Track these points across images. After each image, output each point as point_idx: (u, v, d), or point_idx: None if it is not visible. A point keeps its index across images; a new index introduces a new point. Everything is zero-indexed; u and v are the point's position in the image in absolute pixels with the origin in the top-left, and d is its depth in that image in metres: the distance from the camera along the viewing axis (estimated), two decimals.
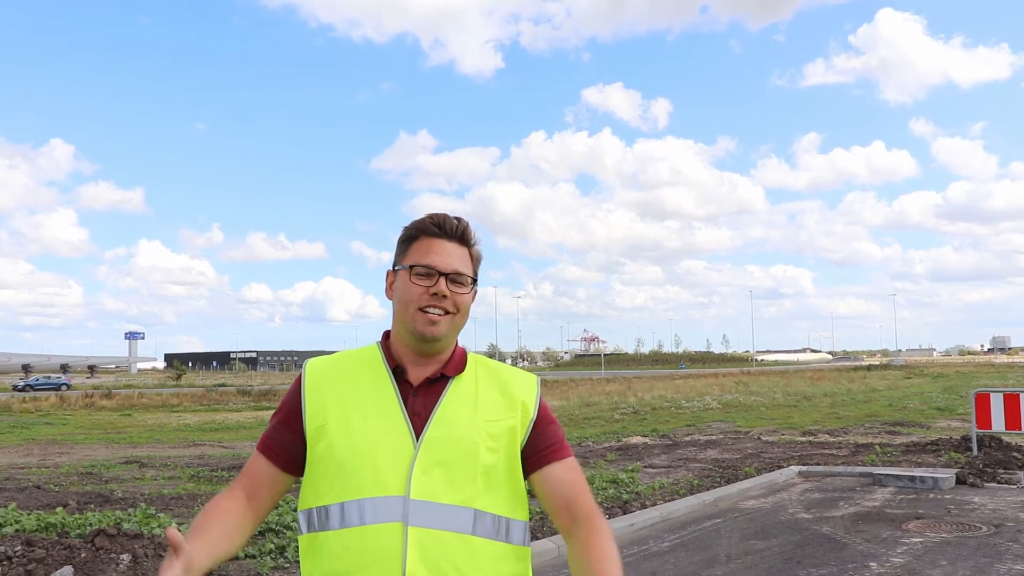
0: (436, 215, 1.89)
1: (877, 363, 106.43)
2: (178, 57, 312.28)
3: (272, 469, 1.88)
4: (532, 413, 1.92)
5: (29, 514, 7.28)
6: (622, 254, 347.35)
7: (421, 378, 1.86)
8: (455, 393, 1.86)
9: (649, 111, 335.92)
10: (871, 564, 6.81)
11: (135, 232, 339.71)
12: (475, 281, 1.91)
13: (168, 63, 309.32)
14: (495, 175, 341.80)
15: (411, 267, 1.84)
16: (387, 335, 1.95)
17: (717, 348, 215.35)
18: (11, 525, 6.81)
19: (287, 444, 1.87)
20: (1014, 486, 10.41)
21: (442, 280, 1.82)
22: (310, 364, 1.93)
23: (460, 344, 1.98)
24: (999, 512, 8.77)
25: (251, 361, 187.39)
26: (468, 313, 1.90)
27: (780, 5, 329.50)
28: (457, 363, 1.91)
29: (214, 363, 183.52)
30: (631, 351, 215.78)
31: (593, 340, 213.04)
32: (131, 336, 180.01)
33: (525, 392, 1.94)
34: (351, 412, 1.80)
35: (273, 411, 1.99)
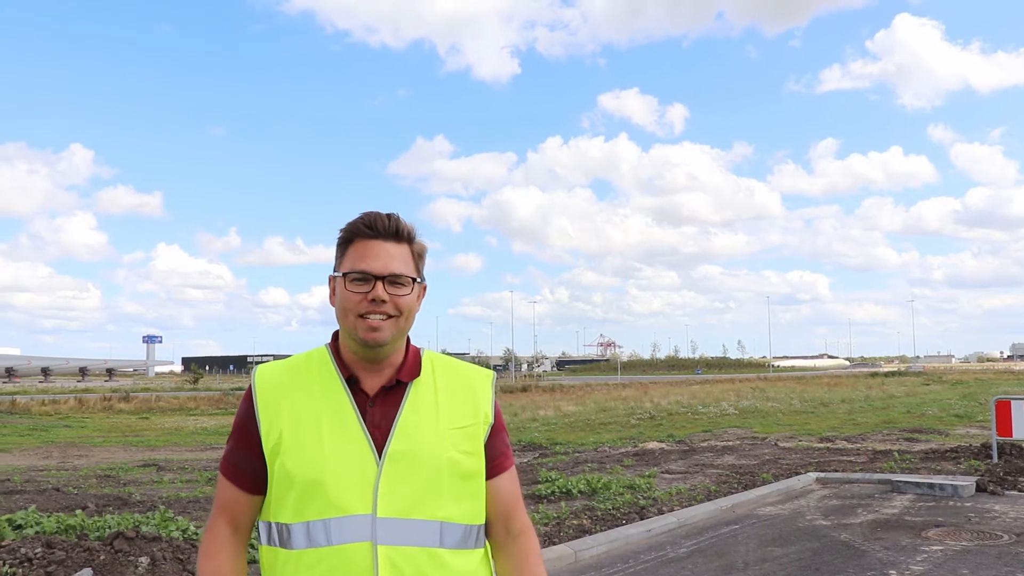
0: (368, 214, 1.82)
1: (895, 369, 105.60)
2: (197, 63, 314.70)
3: (243, 496, 1.83)
4: (491, 418, 1.89)
5: (49, 516, 7.33)
6: (638, 259, 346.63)
7: (377, 387, 1.81)
8: (414, 401, 1.81)
9: (665, 116, 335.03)
10: (890, 572, 6.75)
11: (153, 236, 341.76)
12: (416, 279, 1.83)
13: (187, 69, 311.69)
14: (512, 180, 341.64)
15: (345, 274, 1.78)
16: (337, 336, 1.89)
17: (733, 354, 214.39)
18: (31, 527, 6.86)
19: (250, 465, 1.80)
20: None
21: (379, 284, 1.76)
22: (259, 374, 1.85)
23: (414, 344, 1.92)
24: (1021, 520, 8.68)
25: None
26: (413, 314, 1.84)
27: (797, 11, 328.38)
28: (412, 366, 1.85)
29: (231, 367, 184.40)
30: (647, 356, 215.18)
31: (609, 345, 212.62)
32: (149, 339, 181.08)
33: (484, 392, 1.90)
34: (306, 427, 1.75)
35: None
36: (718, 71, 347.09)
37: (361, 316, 1.76)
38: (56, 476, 13.86)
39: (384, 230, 1.80)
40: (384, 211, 1.84)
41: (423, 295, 1.90)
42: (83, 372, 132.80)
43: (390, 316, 1.77)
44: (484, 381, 1.93)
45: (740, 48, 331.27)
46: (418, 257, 1.87)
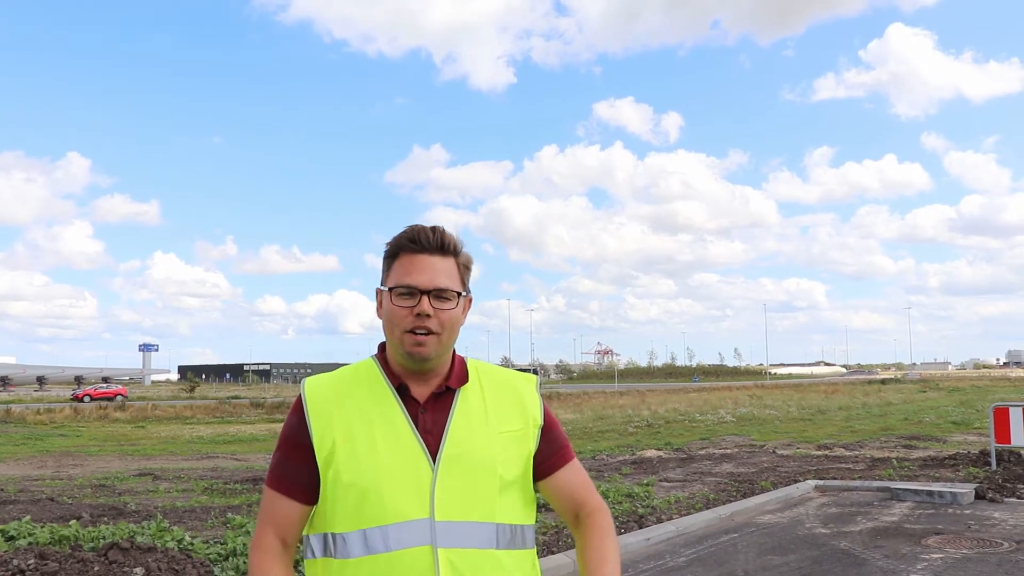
0: (413, 228, 1.83)
1: (892, 377, 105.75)
2: (194, 72, 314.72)
3: (296, 507, 1.82)
4: (540, 418, 1.92)
5: (42, 527, 7.27)
6: (635, 267, 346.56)
7: (426, 394, 1.83)
8: (464, 406, 1.84)
9: (660, 125, 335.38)
10: None
11: (150, 244, 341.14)
12: (461, 294, 1.84)
13: (184, 78, 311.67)
14: (508, 188, 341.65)
15: (391, 288, 1.80)
16: (383, 347, 1.91)
17: (730, 361, 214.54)
18: (24, 538, 6.80)
19: (303, 476, 1.80)
20: None
21: (424, 299, 1.77)
22: (309, 386, 1.86)
23: (459, 353, 1.95)
24: (1021, 528, 8.64)
25: (264, 373, 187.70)
26: (458, 327, 1.86)
27: (791, 20, 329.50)
28: (459, 374, 1.88)
29: (227, 375, 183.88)
30: (644, 364, 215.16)
31: (607, 353, 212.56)
32: (145, 348, 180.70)
33: (530, 396, 1.93)
34: (359, 435, 1.77)
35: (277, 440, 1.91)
36: (713, 80, 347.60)
37: (408, 331, 1.78)
38: (51, 486, 13.78)
39: (428, 244, 1.82)
40: (428, 224, 1.86)
41: (468, 307, 1.92)
42: (79, 381, 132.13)
43: (434, 332, 1.78)
44: (529, 385, 1.96)
45: (735, 57, 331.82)
46: (464, 269, 1.88)
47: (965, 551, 7.69)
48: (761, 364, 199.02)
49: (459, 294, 1.83)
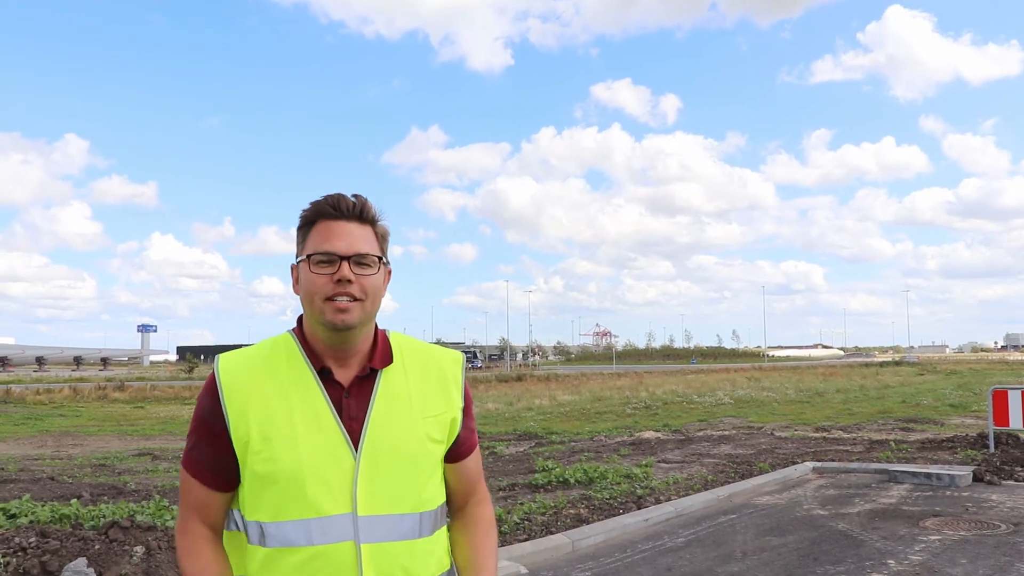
0: (331, 196, 1.77)
1: (889, 359, 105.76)
2: (191, 53, 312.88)
3: (214, 495, 1.75)
4: (462, 402, 1.87)
5: (43, 505, 7.28)
6: (632, 249, 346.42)
7: (350, 377, 1.75)
8: (386, 391, 1.76)
9: (658, 107, 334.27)
10: (889, 562, 6.74)
11: (148, 226, 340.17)
12: (382, 259, 1.78)
13: (181, 59, 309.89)
14: (506, 170, 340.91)
15: (310, 256, 1.72)
16: (301, 321, 1.82)
17: (728, 343, 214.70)
18: (25, 516, 6.81)
19: (218, 463, 1.72)
20: None
21: (344, 264, 1.70)
22: (223, 365, 1.75)
23: (381, 328, 1.87)
24: (1018, 510, 8.67)
25: None
26: (380, 297, 1.78)
27: (789, 2, 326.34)
28: (383, 353, 1.80)
29: None
30: (642, 346, 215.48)
31: (606, 335, 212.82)
32: (144, 329, 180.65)
33: (455, 378, 1.88)
34: (278, 423, 1.68)
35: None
36: (711, 62, 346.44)
37: (328, 299, 1.69)
38: (51, 465, 13.80)
39: (348, 211, 1.75)
40: (348, 194, 1.79)
41: (388, 279, 1.84)
42: (78, 361, 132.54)
43: (356, 299, 1.71)
44: (455, 366, 1.89)
45: (733, 39, 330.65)
46: (382, 239, 1.81)
47: (963, 533, 7.72)
48: (759, 346, 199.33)
49: (380, 259, 1.77)
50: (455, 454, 1.86)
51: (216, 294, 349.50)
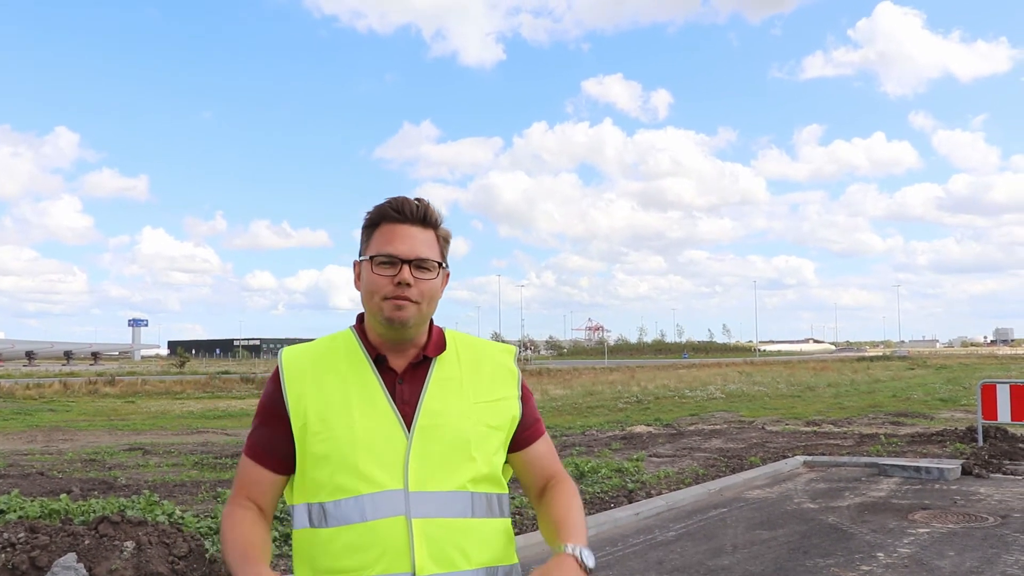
0: (396, 199, 1.83)
1: (880, 354, 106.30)
2: (184, 47, 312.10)
3: (269, 475, 1.83)
4: (518, 390, 1.92)
5: (32, 500, 7.26)
6: (624, 244, 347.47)
7: (404, 364, 1.82)
8: (439, 376, 1.83)
9: (649, 102, 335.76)
10: (878, 554, 6.78)
11: (139, 220, 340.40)
12: (441, 264, 1.85)
13: (174, 53, 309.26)
14: (498, 165, 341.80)
15: (372, 257, 1.79)
16: (362, 318, 1.90)
17: (720, 338, 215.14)
18: (14, 511, 6.79)
19: (277, 446, 1.81)
20: (1020, 477, 10.35)
21: (405, 268, 1.77)
22: (286, 356, 1.86)
23: (437, 324, 1.94)
24: (1005, 503, 8.73)
25: (254, 348, 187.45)
26: (436, 299, 1.86)
27: None
28: (437, 343, 1.87)
29: (217, 350, 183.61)
30: (634, 340, 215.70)
31: (598, 329, 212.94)
32: (134, 323, 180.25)
33: (508, 367, 1.93)
34: (335, 406, 1.76)
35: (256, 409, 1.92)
36: (702, 57, 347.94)
37: (387, 298, 1.77)
38: (40, 460, 13.75)
39: (412, 215, 1.82)
40: (412, 197, 1.85)
41: (446, 281, 1.92)
42: (68, 356, 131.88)
43: (414, 302, 1.78)
44: (507, 356, 1.96)
45: (724, 34, 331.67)
46: (444, 243, 1.88)
47: (951, 526, 7.77)
48: (751, 341, 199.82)
49: (439, 264, 1.84)
50: (521, 440, 1.91)
51: (208, 288, 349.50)
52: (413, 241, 1.79)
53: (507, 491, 1.89)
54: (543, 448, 1.96)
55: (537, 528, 7.50)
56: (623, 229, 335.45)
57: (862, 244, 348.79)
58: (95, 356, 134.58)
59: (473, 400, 1.83)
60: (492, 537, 1.79)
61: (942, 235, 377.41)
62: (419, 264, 1.79)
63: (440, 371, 1.84)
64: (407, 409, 1.77)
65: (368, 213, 1.85)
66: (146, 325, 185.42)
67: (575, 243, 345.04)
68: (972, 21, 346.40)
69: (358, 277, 1.86)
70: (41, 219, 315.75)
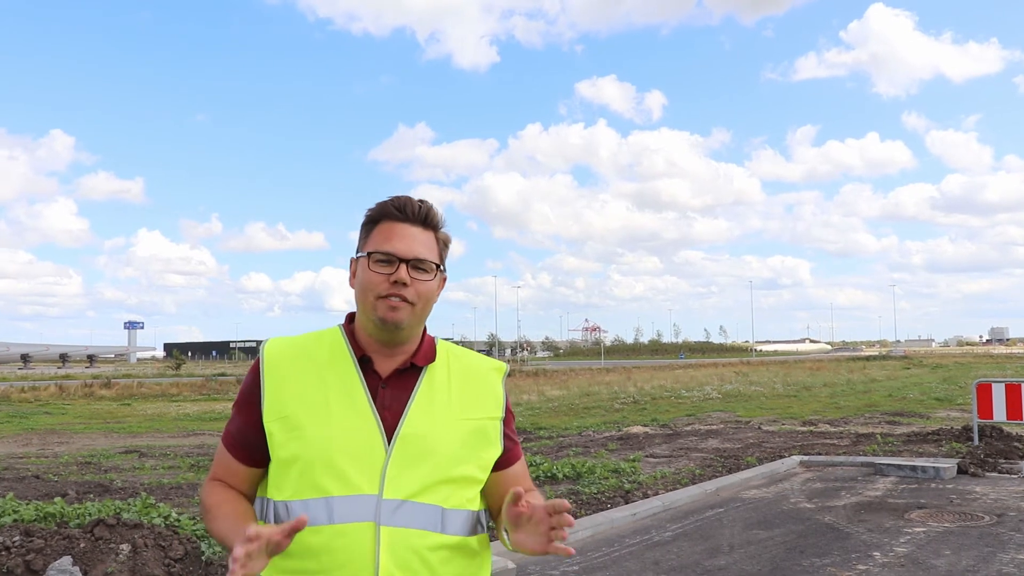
0: (399, 197, 1.80)
1: (876, 354, 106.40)
2: (179, 49, 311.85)
3: (241, 467, 1.81)
4: (503, 411, 1.88)
5: (28, 504, 7.24)
6: (620, 244, 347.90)
7: (389, 369, 1.78)
8: (428, 387, 1.79)
9: (643, 103, 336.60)
10: (875, 554, 6.78)
11: (135, 222, 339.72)
12: (440, 267, 1.82)
13: (169, 55, 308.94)
14: (493, 166, 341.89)
15: (370, 254, 1.75)
16: (351, 318, 1.86)
17: (716, 338, 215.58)
18: (9, 515, 6.76)
19: (251, 438, 1.78)
20: (1015, 476, 10.38)
21: (403, 267, 1.73)
22: (268, 346, 1.82)
23: (430, 333, 1.90)
24: (1001, 502, 8.74)
25: (250, 350, 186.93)
26: (432, 302, 1.82)
27: (774, 0, 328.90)
28: (427, 352, 1.83)
29: (213, 352, 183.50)
30: (630, 341, 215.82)
31: (595, 330, 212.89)
32: (130, 326, 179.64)
33: (497, 386, 1.89)
34: (313, 403, 1.72)
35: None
36: (695, 58, 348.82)
37: (382, 297, 1.73)
38: (36, 463, 13.72)
39: (414, 215, 1.79)
40: (415, 197, 1.83)
41: (443, 286, 1.88)
42: (63, 359, 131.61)
43: (409, 302, 1.74)
44: (498, 374, 1.91)
45: (717, 36, 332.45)
46: (443, 246, 1.85)
47: (947, 525, 7.78)
48: (747, 341, 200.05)
49: (437, 266, 1.80)
50: (499, 463, 1.86)
51: (203, 290, 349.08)
52: (412, 241, 1.76)
53: (483, 508, 1.86)
54: (518, 470, 1.92)
55: None
56: (618, 230, 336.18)
57: (857, 244, 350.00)
58: (91, 359, 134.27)
59: (459, 416, 1.79)
60: (462, 554, 1.75)
61: (937, 235, 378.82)
62: (417, 265, 1.75)
63: (429, 382, 1.80)
64: (387, 415, 1.73)
65: (369, 209, 1.82)
66: (142, 327, 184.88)
67: (570, 244, 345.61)
68: (963, 22, 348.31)
69: (353, 275, 1.83)
70: (36, 222, 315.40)
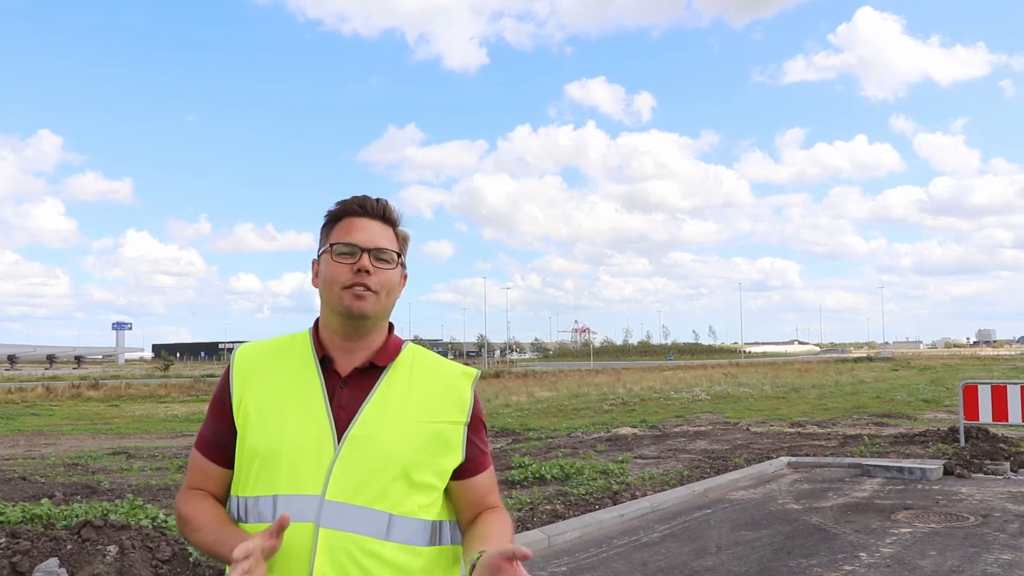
0: (358, 196, 1.85)
1: (864, 355, 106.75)
2: (168, 49, 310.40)
3: (215, 468, 1.84)
4: (467, 417, 1.84)
5: (14, 505, 7.21)
6: (609, 246, 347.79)
7: (349, 368, 1.78)
8: (386, 389, 1.78)
9: (632, 105, 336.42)
10: (861, 554, 6.82)
11: (123, 222, 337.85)
12: (400, 255, 1.84)
13: (158, 55, 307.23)
14: (482, 168, 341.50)
15: (332, 245, 1.79)
16: (318, 322, 1.88)
17: (705, 340, 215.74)
18: None
19: (221, 439, 1.81)
20: (1000, 477, 10.45)
21: (365, 256, 1.77)
22: (239, 352, 1.87)
23: (397, 333, 1.91)
24: (986, 502, 8.80)
25: None
26: (395, 294, 1.84)
27: (762, 3, 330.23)
28: (389, 351, 1.83)
29: (202, 353, 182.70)
30: (620, 342, 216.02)
31: (584, 331, 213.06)
32: (118, 326, 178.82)
33: (463, 391, 1.86)
34: (273, 402, 1.75)
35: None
36: (685, 61, 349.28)
37: (346, 288, 1.76)
38: (23, 465, 13.65)
39: (372, 210, 1.83)
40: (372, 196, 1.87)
41: (404, 282, 1.90)
42: (51, 359, 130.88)
43: (373, 291, 1.76)
44: (465, 380, 1.88)
45: (706, 39, 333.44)
46: (402, 242, 1.88)
47: (933, 526, 7.83)
48: (736, 343, 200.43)
49: (398, 255, 1.83)
50: (463, 470, 1.83)
51: (192, 291, 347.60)
52: (372, 233, 1.80)
53: (445, 518, 1.82)
54: (484, 480, 1.87)
55: (519, 531, 7.49)
56: (607, 231, 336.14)
57: (845, 246, 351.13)
58: (78, 360, 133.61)
59: (417, 419, 1.76)
60: (407, 563, 1.70)
61: (925, 237, 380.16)
62: (378, 255, 1.78)
63: (388, 383, 1.78)
64: (342, 414, 1.72)
65: (329, 210, 1.86)
66: (130, 328, 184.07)
67: (560, 245, 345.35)
68: (950, 26, 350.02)
69: (316, 275, 1.86)
70: (24, 222, 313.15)
